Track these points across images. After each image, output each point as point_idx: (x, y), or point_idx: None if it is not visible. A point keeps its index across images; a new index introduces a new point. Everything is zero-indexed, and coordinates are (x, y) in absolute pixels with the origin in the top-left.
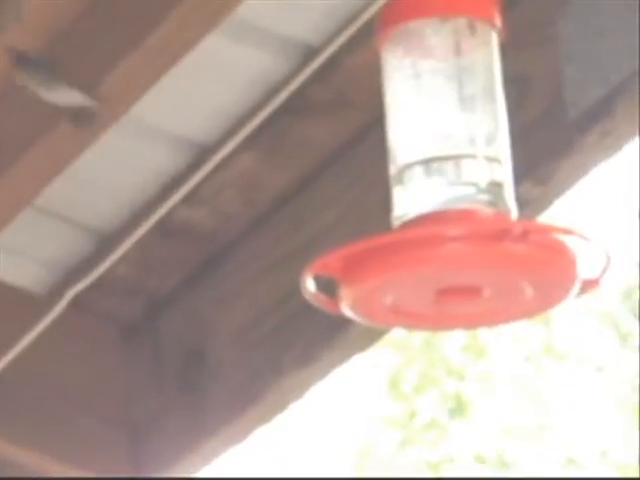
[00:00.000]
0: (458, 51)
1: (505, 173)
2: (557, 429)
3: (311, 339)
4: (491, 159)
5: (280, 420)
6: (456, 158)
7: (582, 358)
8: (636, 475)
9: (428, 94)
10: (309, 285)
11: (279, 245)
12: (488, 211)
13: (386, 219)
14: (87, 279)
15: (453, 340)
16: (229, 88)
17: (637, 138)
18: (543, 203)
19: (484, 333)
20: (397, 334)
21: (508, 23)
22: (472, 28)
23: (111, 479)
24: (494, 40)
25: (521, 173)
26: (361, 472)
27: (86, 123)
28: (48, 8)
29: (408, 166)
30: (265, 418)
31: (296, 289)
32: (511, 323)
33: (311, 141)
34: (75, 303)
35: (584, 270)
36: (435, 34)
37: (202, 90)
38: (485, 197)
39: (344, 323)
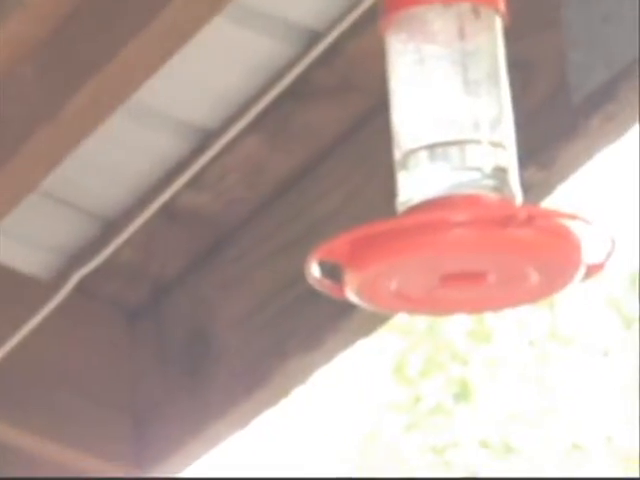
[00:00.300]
0: (462, 36)
1: (510, 158)
2: (562, 414)
3: (316, 324)
4: (495, 144)
5: (285, 404)
6: (460, 143)
7: (587, 343)
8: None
9: (432, 79)
10: (314, 270)
11: (283, 230)
12: (493, 196)
13: (390, 205)
14: (92, 263)
15: (458, 325)
16: (233, 73)
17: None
18: (547, 188)
19: (489, 318)
20: (402, 319)
21: (512, 7)
22: (476, 12)
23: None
24: (498, 24)
25: (525, 158)
26: (366, 457)
27: None
28: None
29: (413, 151)
30: (270, 402)
31: (300, 274)
32: (516, 308)
33: (315, 126)
34: (80, 288)
35: (589, 255)
36: (439, 19)
37: (206, 75)
38: (490, 182)
39: (349, 308)
